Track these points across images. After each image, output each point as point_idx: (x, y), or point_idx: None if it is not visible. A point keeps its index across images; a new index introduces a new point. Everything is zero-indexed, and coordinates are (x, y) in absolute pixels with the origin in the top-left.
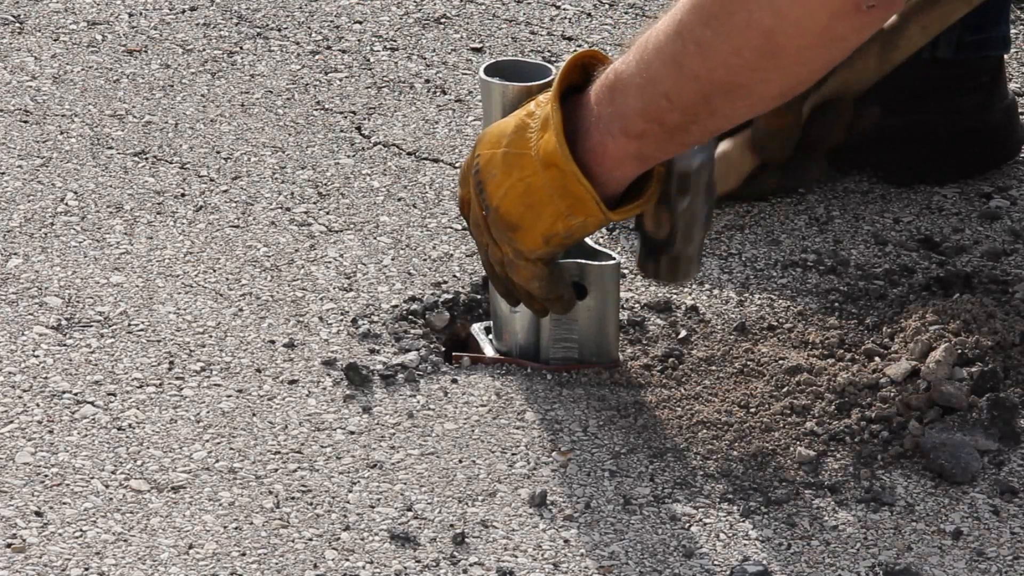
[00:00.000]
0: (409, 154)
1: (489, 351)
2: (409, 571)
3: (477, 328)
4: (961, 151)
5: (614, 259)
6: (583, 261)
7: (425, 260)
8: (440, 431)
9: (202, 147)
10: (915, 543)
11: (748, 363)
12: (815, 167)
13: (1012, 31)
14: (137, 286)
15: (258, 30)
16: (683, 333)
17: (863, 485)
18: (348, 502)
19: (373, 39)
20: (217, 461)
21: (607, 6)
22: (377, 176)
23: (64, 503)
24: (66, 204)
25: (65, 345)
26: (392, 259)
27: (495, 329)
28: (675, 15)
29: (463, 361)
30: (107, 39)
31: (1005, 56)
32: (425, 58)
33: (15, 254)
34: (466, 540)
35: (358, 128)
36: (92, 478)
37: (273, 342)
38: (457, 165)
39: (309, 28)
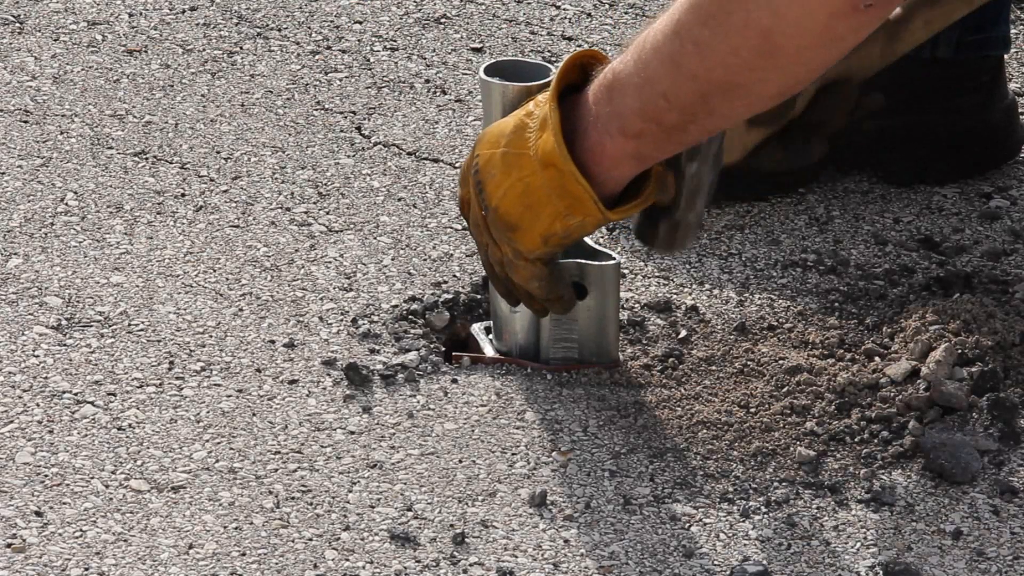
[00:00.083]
0: (409, 154)
1: (489, 351)
2: (409, 571)
3: (477, 328)
4: (961, 151)
5: (614, 259)
6: (583, 261)
7: (425, 260)
8: (440, 431)
9: (202, 147)
10: (915, 543)
11: (748, 363)
12: (816, 148)
13: (1012, 31)
14: (137, 286)
15: (258, 30)
16: (683, 333)
17: (863, 485)
18: (348, 502)
19: (373, 39)
20: (217, 461)
21: (607, 6)
22: (377, 176)
23: (64, 503)
24: (66, 204)
25: (65, 345)
26: (392, 259)
27: (495, 329)
28: (673, 15)
29: (463, 361)
30: (107, 39)
31: (1005, 56)
32: (425, 58)
33: (15, 254)
34: (466, 540)
35: (358, 128)
36: (92, 478)
37: (273, 342)
38: (457, 165)
39: (309, 28)
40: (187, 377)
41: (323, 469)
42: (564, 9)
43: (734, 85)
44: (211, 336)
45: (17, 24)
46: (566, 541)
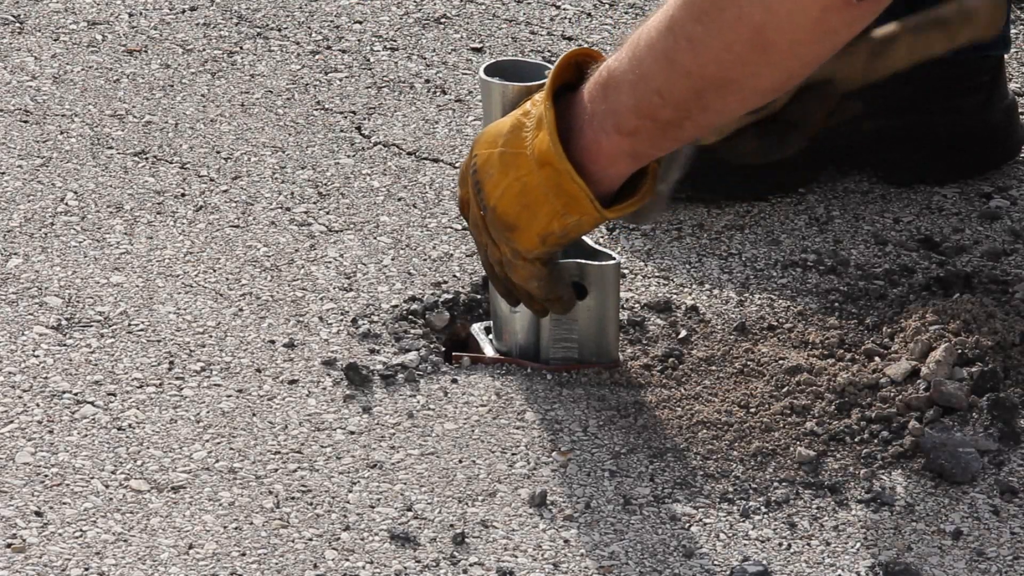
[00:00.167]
0: (409, 154)
1: (489, 351)
2: (409, 571)
3: (477, 328)
4: (961, 151)
5: (614, 259)
6: (583, 261)
7: (425, 260)
8: (440, 431)
9: (202, 147)
10: (915, 543)
11: (748, 363)
12: (791, 144)
13: (1012, 31)
14: (137, 286)
15: (258, 30)
16: (683, 333)
17: (863, 485)
18: (348, 502)
19: (373, 39)
20: (217, 461)
21: (607, 6)
22: (377, 176)
23: (64, 503)
24: (66, 204)
25: (65, 345)
26: (392, 259)
27: (495, 329)
28: (667, 11)
29: (463, 361)
30: (107, 39)
31: (1005, 56)
32: (425, 58)
33: (15, 254)
34: (466, 540)
35: (358, 128)
36: (92, 478)
37: (273, 342)
38: (457, 165)
39: (309, 28)
40: (187, 377)
41: (323, 469)
42: (564, 9)
43: (728, 80)
44: (211, 336)
45: (17, 24)
46: (566, 541)
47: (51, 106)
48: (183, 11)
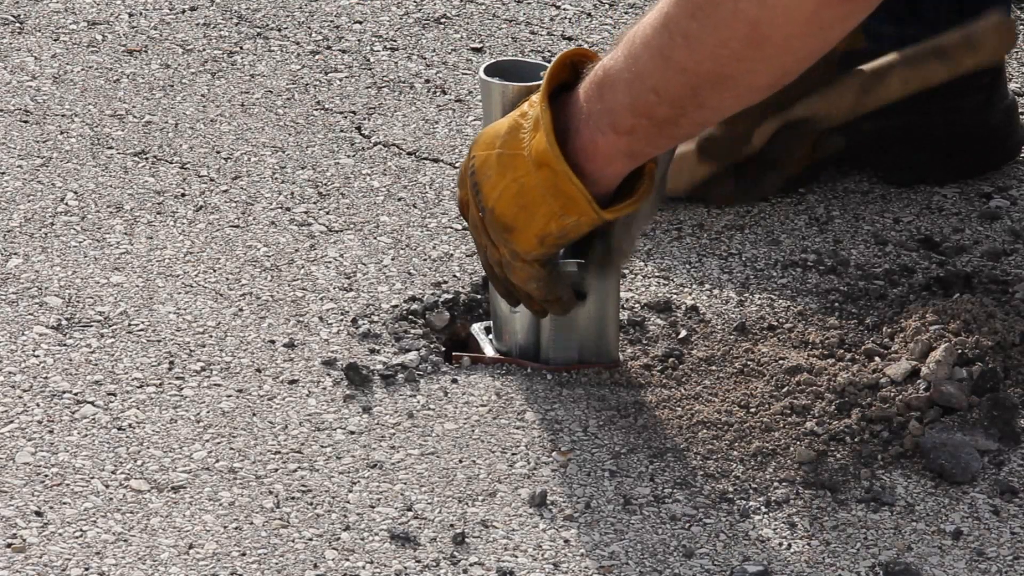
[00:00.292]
0: (409, 154)
1: (489, 351)
2: (409, 571)
3: (477, 328)
4: (961, 152)
5: None
6: (583, 261)
7: (425, 260)
8: (440, 431)
9: (202, 147)
10: (915, 543)
11: (748, 363)
12: (768, 185)
13: None
14: (137, 286)
15: (258, 30)
16: (683, 333)
17: (863, 485)
18: (348, 502)
19: (373, 39)
20: (217, 461)
21: (607, 6)
22: (377, 176)
23: (64, 503)
24: (66, 204)
25: (65, 345)
26: (392, 259)
27: (495, 329)
28: (661, 9)
29: (463, 361)
30: (107, 39)
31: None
32: (425, 58)
33: (15, 254)
34: (466, 540)
35: (358, 128)
36: (92, 478)
37: (273, 342)
38: (457, 165)
39: (309, 28)
40: (187, 377)
41: (323, 469)
42: (564, 9)
43: (724, 77)
44: (211, 336)
45: (17, 24)
46: (566, 541)
47: (51, 106)
48: (183, 11)
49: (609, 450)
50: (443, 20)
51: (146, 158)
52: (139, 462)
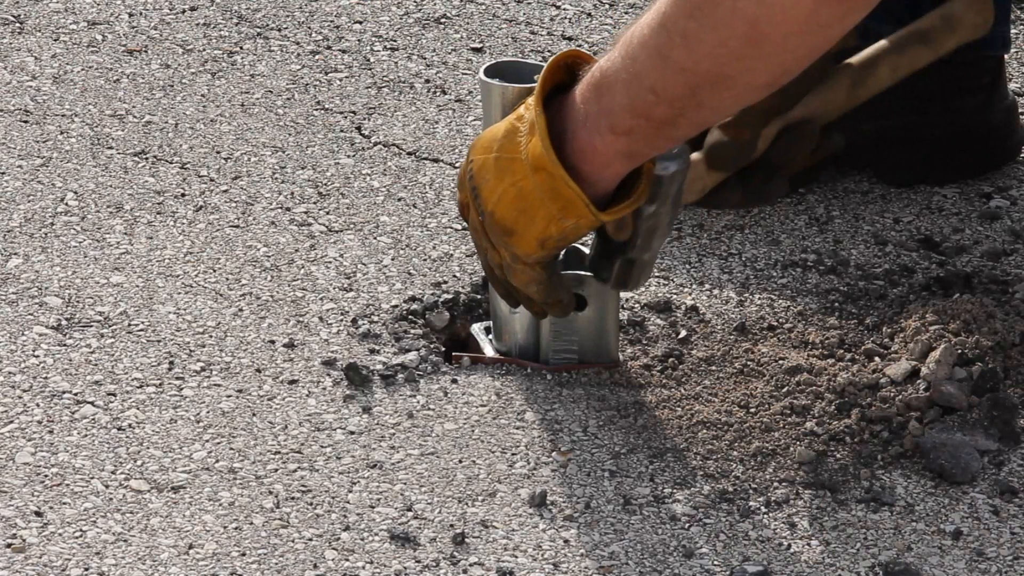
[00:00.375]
0: (409, 154)
1: (489, 351)
2: (409, 571)
3: (477, 328)
4: (961, 152)
5: None
6: (583, 272)
7: (425, 260)
8: (440, 431)
9: (202, 147)
10: (915, 543)
11: (748, 363)
12: (776, 188)
13: (1012, 31)
14: (137, 286)
15: (258, 30)
16: (683, 333)
17: (863, 485)
18: (348, 502)
19: (373, 39)
20: (217, 461)
21: (607, 6)
22: (377, 176)
23: (64, 503)
24: (66, 204)
25: (65, 345)
26: (392, 259)
27: (495, 329)
28: (659, 8)
29: (463, 361)
30: (107, 39)
31: (1005, 56)
32: (425, 58)
33: (15, 254)
34: (466, 540)
35: (358, 128)
36: (92, 478)
37: (273, 342)
38: (457, 165)
39: (309, 28)
40: (187, 377)
41: (323, 469)
42: (564, 9)
43: (722, 76)
44: (211, 336)
45: (17, 24)
46: (566, 541)
47: (51, 106)
48: (183, 11)
49: (609, 450)
50: (443, 20)
51: (146, 158)
52: (139, 462)
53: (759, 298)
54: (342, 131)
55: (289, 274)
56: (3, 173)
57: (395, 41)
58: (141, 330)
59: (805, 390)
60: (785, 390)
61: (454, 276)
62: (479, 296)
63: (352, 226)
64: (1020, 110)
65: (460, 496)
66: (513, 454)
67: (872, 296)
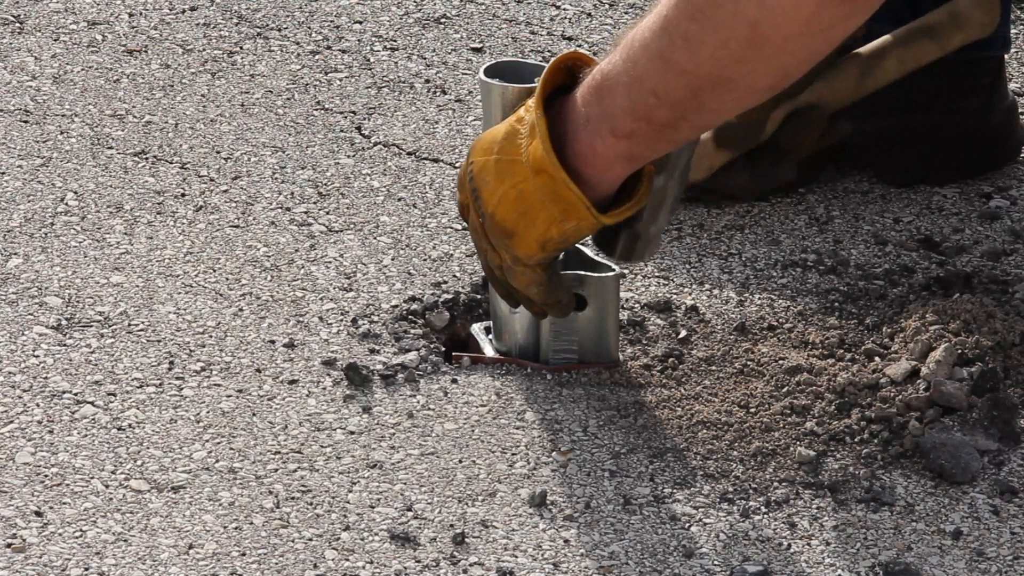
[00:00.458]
0: (409, 154)
1: (489, 351)
2: (409, 571)
3: (477, 328)
4: (962, 153)
5: (614, 270)
6: (583, 273)
7: (425, 260)
8: (440, 431)
9: (202, 147)
10: (915, 543)
11: (748, 363)
12: (783, 172)
13: (1012, 31)
14: (137, 286)
15: (258, 30)
16: (683, 333)
17: (863, 485)
18: (348, 502)
19: (373, 39)
20: (217, 461)
21: (607, 6)
22: (377, 176)
23: (64, 503)
24: (66, 204)
25: (65, 345)
26: (392, 259)
27: (495, 329)
28: (660, 12)
29: (463, 361)
30: (107, 39)
31: (1005, 56)
32: (425, 58)
33: (15, 254)
34: (466, 540)
35: (358, 128)
36: (92, 478)
37: (273, 342)
38: (457, 165)
39: (309, 28)
40: (187, 377)
41: (323, 469)
42: (564, 9)
43: (724, 79)
44: (211, 336)
45: (17, 24)
46: (566, 541)
47: (51, 106)
48: (183, 11)
49: (609, 450)
50: (443, 20)
51: (146, 158)
52: (139, 462)
53: (759, 298)
54: (342, 131)
55: (289, 274)
56: (3, 173)
57: (395, 41)
58: (141, 330)
59: (805, 390)
60: (785, 390)
61: (454, 276)
62: (479, 296)
63: (352, 226)
64: (1020, 110)
65: (460, 496)
66: (513, 454)
67: (872, 296)
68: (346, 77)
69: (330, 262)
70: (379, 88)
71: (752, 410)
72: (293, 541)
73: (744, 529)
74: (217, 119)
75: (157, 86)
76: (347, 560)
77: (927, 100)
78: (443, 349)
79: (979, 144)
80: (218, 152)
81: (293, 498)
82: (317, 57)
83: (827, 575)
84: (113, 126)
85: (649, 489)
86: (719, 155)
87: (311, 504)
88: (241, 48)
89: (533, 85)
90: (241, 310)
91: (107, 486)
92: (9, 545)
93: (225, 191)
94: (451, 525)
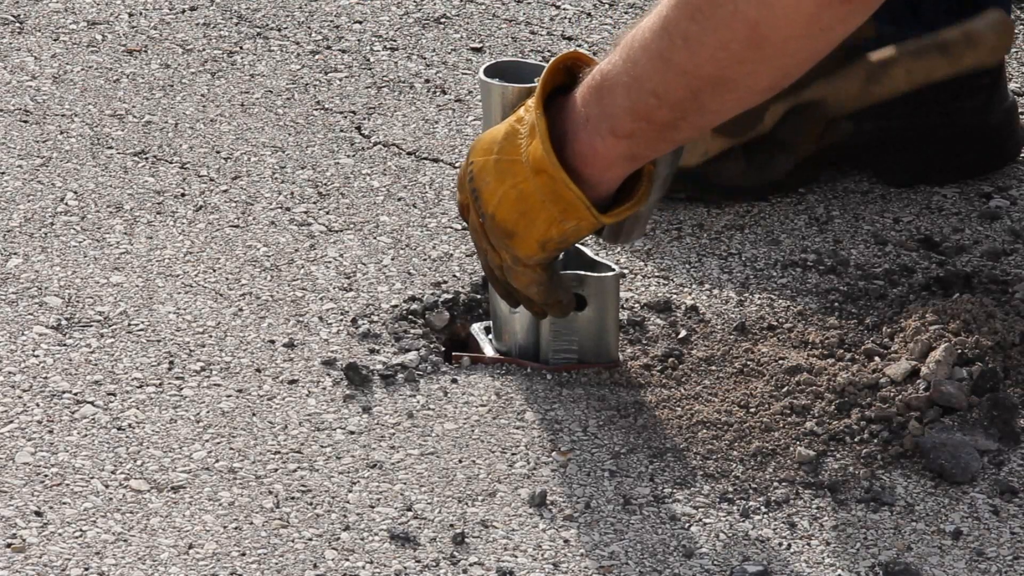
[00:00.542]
0: (409, 154)
1: (489, 351)
2: (409, 571)
3: (477, 328)
4: (962, 152)
5: (614, 270)
6: (583, 272)
7: (425, 260)
8: (440, 431)
9: (202, 147)
10: (915, 543)
11: (748, 363)
12: (779, 166)
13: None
14: (137, 286)
15: (258, 30)
16: (683, 333)
17: (863, 485)
18: (348, 502)
19: (373, 39)
20: (217, 461)
21: (607, 6)
22: (377, 176)
23: (64, 503)
24: (66, 204)
25: (65, 345)
26: (392, 259)
27: (495, 329)
28: (660, 12)
29: (463, 361)
30: (107, 39)
31: (1005, 56)
32: (425, 58)
33: (15, 254)
34: (466, 540)
35: (358, 128)
36: (92, 478)
37: (273, 342)
38: (457, 165)
39: (309, 28)
40: (187, 377)
41: (323, 469)
42: (564, 9)
43: (724, 79)
44: (211, 336)
45: (17, 24)
46: (566, 541)
47: (51, 106)
48: (183, 11)
49: (609, 450)
50: (443, 20)
51: (146, 158)
52: (139, 462)
53: (759, 298)
54: (342, 131)
55: (289, 274)
56: (3, 173)
57: (395, 41)
58: (141, 330)
59: (805, 390)
60: (785, 390)
61: (454, 276)
62: (479, 296)
63: (352, 226)
64: (1020, 110)
65: (460, 496)
66: (513, 454)
67: (872, 296)
68: (346, 77)
69: (330, 262)
70: (379, 88)
71: (752, 410)
72: (293, 541)
73: (744, 529)
74: (217, 119)
75: (157, 86)
76: (347, 560)
77: (927, 100)
78: (443, 349)
79: (979, 144)
80: (218, 152)
81: (293, 498)
82: (317, 57)
83: (827, 575)
84: (113, 126)
85: (649, 489)
86: (715, 141)
87: (311, 504)
88: (241, 48)
89: (533, 85)
90: (241, 310)
91: (107, 486)
92: (9, 545)
93: (225, 191)
94: (451, 525)
